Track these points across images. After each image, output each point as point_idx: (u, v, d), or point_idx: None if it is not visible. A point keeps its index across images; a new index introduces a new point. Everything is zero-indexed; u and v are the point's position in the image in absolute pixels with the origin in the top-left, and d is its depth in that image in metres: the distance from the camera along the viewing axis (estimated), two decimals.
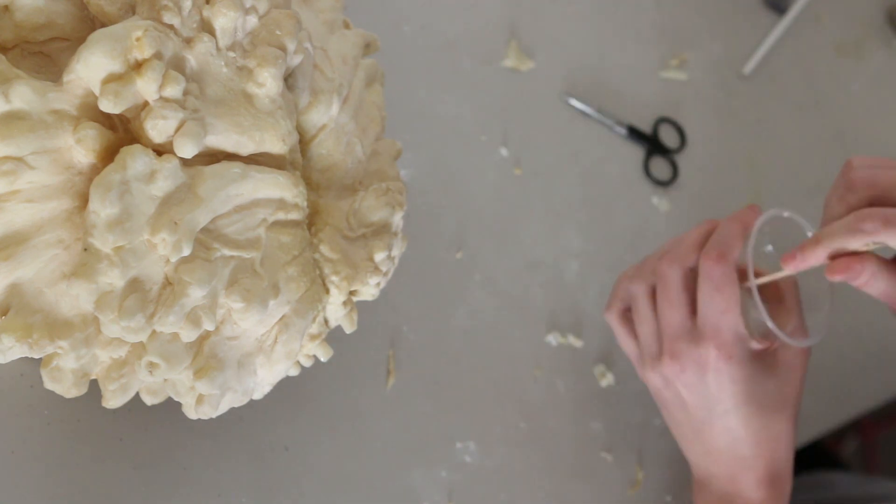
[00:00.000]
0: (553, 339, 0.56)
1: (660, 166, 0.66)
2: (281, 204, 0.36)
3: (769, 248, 0.48)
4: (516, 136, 0.61)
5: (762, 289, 0.45)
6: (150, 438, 0.44)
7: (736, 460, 0.47)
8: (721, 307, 0.44)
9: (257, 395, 0.40)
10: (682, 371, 0.46)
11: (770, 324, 0.43)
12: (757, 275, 0.45)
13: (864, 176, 0.41)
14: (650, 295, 0.48)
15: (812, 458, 0.86)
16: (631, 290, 0.50)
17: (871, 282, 0.41)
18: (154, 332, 0.33)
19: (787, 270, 0.44)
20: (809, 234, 0.45)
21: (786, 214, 0.46)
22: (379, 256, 0.40)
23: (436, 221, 0.56)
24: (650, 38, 0.70)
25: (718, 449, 0.47)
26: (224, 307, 0.35)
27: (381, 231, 0.40)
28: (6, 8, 0.32)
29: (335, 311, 0.41)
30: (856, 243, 0.40)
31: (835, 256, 0.41)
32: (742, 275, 0.46)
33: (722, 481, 0.48)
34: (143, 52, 0.31)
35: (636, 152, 0.66)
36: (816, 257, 0.41)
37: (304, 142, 0.39)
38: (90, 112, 0.31)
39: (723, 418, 0.46)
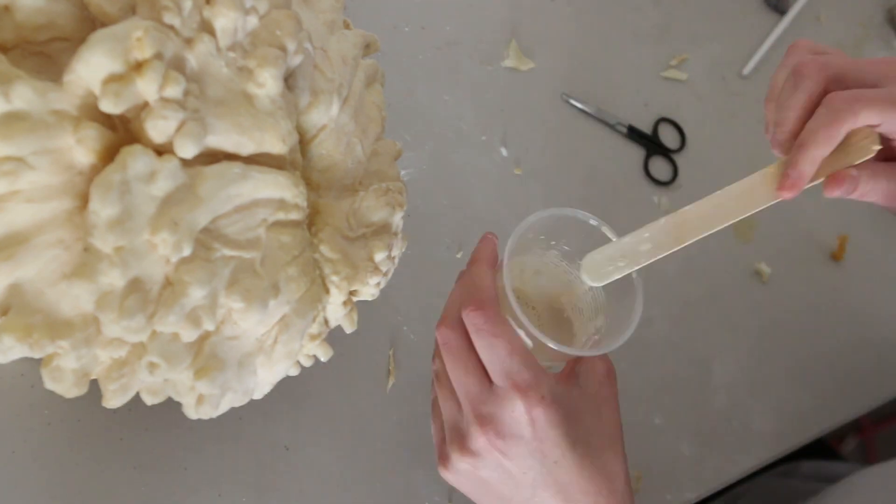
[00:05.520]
0: None
1: (660, 166, 0.66)
2: (281, 204, 0.36)
3: (565, 247, 0.45)
4: (516, 136, 0.61)
5: (548, 310, 0.43)
6: (150, 438, 0.44)
7: None
8: (504, 351, 0.39)
9: (257, 395, 0.40)
10: (498, 436, 0.40)
11: (552, 344, 0.39)
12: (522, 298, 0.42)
13: (815, 61, 0.40)
14: (444, 368, 0.43)
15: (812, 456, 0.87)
16: (433, 369, 0.44)
17: (871, 185, 0.40)
18: (154, 332, 0.33)
19: (786, 195, 0.40)
20: (592, 222, 0.42)
21: (533, 219, 0.42)
22: (379, 256, 0.40)
23: (436, 221, 0.56)
24: (650, 38, 0.70)
25: None
26: (224, 307, 0.35)
27: (381, 231, 0.40)
28: (7, 8, 0.32)
29: (335, 311, 0.41)
30: (844, 128, 0.38)
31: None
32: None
33: None
34: (144, 52, 0.31)
35: (636, 152, 0.66)
36: (812, 161, 0.39)
37: (304, 142, 0.39)
38: (90, 112, 0.31)
39: (554, 472, 0.41)
